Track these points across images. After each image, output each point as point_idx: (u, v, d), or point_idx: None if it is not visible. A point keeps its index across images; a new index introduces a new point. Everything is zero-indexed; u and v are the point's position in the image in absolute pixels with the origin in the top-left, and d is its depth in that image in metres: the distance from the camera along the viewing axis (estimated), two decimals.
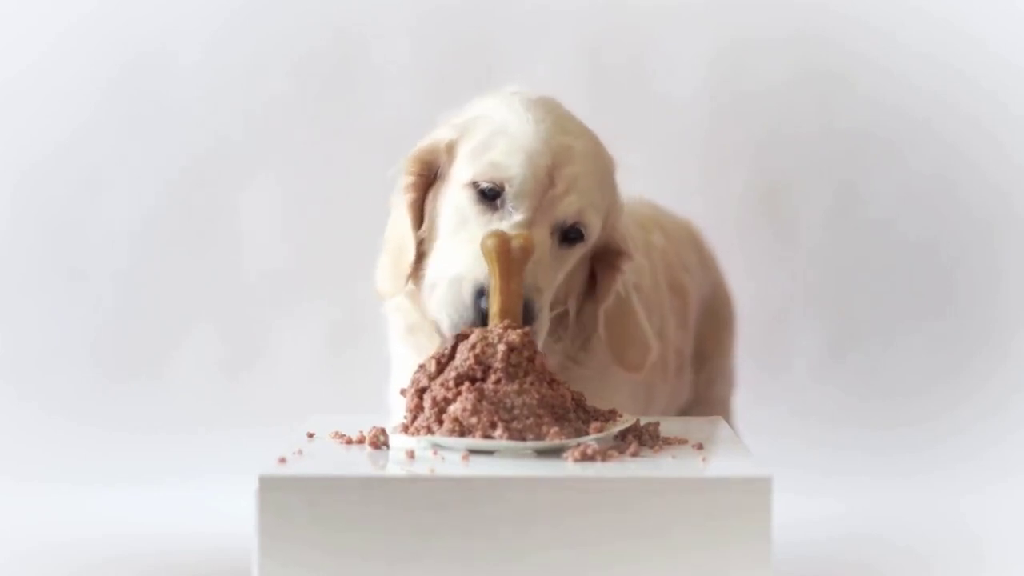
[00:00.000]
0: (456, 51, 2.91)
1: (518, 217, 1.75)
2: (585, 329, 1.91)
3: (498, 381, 1.55)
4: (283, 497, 1.41)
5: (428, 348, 1.86)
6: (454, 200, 1.80)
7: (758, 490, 1.42)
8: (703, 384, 2.38)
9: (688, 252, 2.33)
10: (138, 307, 2.91)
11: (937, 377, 2.91)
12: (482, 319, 1.67)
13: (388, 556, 1.41)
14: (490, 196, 1.77)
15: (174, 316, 2.91)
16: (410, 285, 1.85)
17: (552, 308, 1.80)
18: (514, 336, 1.58)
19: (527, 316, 1.68)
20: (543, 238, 1.76)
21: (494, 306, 1.63)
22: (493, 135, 1.81)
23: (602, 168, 1.86)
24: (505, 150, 1.78)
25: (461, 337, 1.61)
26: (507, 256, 1.62)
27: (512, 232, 1.66)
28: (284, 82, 2.91)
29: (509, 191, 1.76)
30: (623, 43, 2.92)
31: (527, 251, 1.64)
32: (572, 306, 1.89)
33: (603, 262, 1.89)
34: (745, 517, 1.41)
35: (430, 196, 1.84)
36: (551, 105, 1.87)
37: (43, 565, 2.29)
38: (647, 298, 2.00)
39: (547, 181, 1.77)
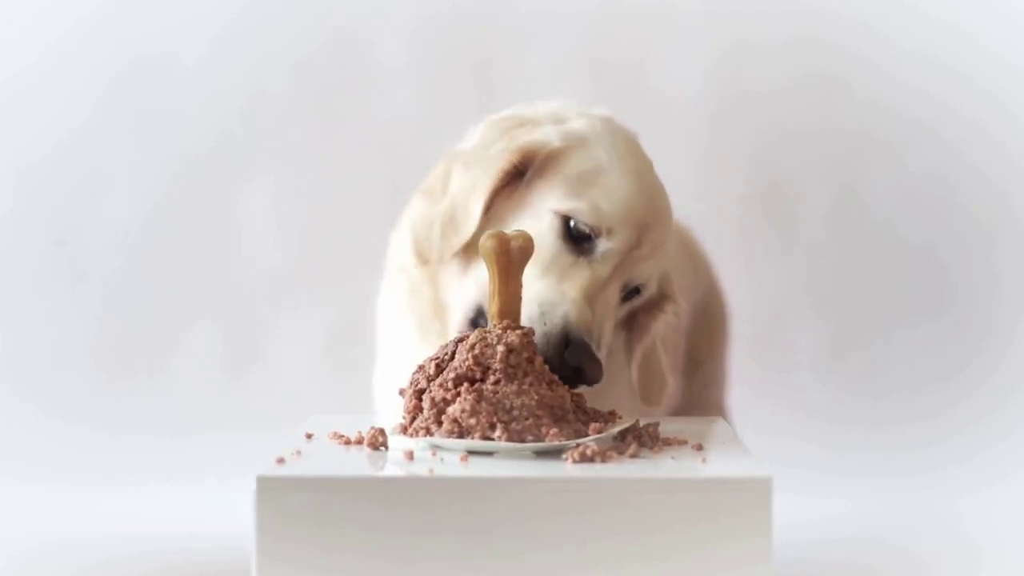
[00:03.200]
0: (456, 52, 2.91)
1: (601, 271, 1.74)
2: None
3: (497, 382, 1.55)
4: (281, 497, 1.41)
5: (426, 323, 1.85)
6: (537, 220, 1.76)
7: (758, 490, 1.42)
8: (697, 387, 2.38)
9: (678, 255, 2.32)
10: (138, 307, 2.91)
11: (936, 377, 2.91)
12: (560, 366, 1.64)
13: (387, 557, 1.41)
14: (577, 236, 1.75)
15: (174, 316, 2.91)
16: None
17: None
18: (513, 337, 1.57)
19: (596, 377, 1.66)
20: (614, 294, 1.77)
21: (493, 307, 1.63)
22: (596, 172, 1.77)
23: (673, 230, 1.87)
24: (610, 199, 1.75)
25: (460, 338, 1.61)
26: (507, 257, 1.62)
27: (513, 233, 1.66)
28: (284, 83, 2.91)
29: (603, 242, 1.75)
30: (623, 45, 2.92)
31: (526, 252, 1.64)
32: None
33: (646, 303, 1.88)
34: (745, 517, 1.41)
35: (523, 192, 1.80)
36: (642, 152, 1.85)
37: (43, 565, 2.29)
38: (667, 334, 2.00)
39: (636, 242, 1.77)
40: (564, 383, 1.62)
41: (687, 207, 2.48)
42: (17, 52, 2.88)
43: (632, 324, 1.91)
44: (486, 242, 1.63)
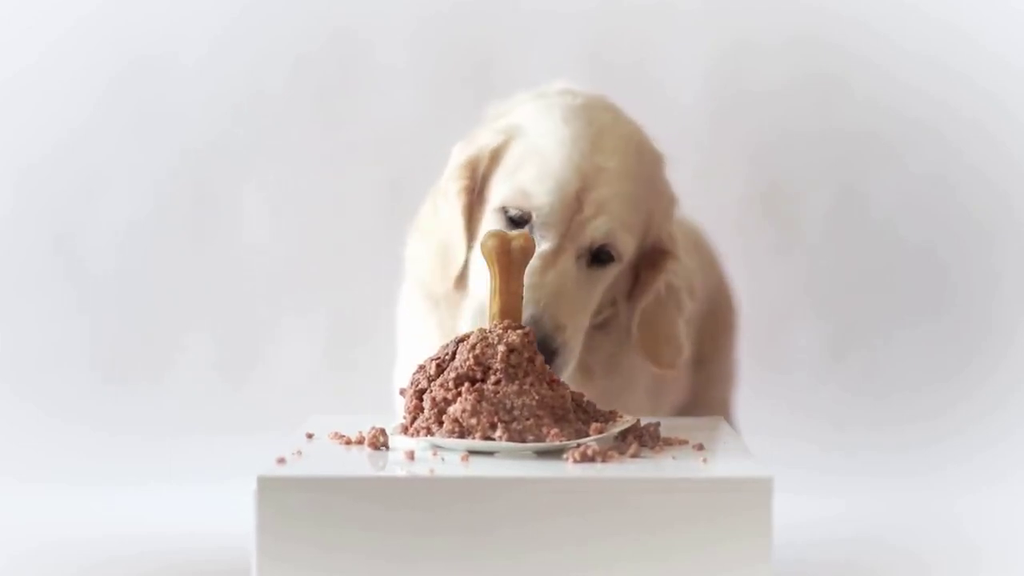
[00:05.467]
0: (455, 52, 2.91)
1: (545, 245, 1.75)
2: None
3: (498, 382, 1.55)
4: (282, 498, 1.41)
5: (448, 331, 1.86)
6: (487, 222, 1.79)
7: (759, 490, 1.42)
8: (702, 385, 2.38)
9: (690, 252, 2.33)
10: (138, 307, 2.91)
11: (936, 377, 2.91)
12: None
13: (387, 557, 1.41)
14: (518, 223, 1.77)
15: (174, 316, 2.91)
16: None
17: (597, 315, 1.82)
18: (514, 337, 1.57)
19: (546, 354, 1.66)
20: (568, 267, 1.76)
21: (494, 306, 1.63)
22: (526, 155, 1.79)
23: (640, 181, 1.84)
24: (534, 176, 1.77)
25: (461, 338, 1.61)
26: (507, 256, 1.62)
27: (514, 233, 1.66)
28: (284, 82, 2.91)
29: (536, 220, 1.76)
30: (623, 45, 2.92)
31: (527, 251, 1.64)
32: (621, 306, 1.89)
33: (647, 261, 1.88)
34: (746, 517, 1.41)
35: (478, 200, 1.83)
36: (593, 114, 1.85)
37: (43, 565, 2.29)
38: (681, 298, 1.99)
39: (575, 206, 1.77)
40: None
41: (687, 207, 2.50)
42: (17, 52, 2.87)
43: (635, 285, 1.90)
44: (487, 242, 1.63)
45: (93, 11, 2.88)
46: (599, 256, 1.80)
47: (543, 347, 1.68)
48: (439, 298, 1.88)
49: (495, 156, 1.82)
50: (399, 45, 2.91)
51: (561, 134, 1.80)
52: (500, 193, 1.79)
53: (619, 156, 1.82)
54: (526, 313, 1.68)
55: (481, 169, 1.82)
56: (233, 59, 2.90)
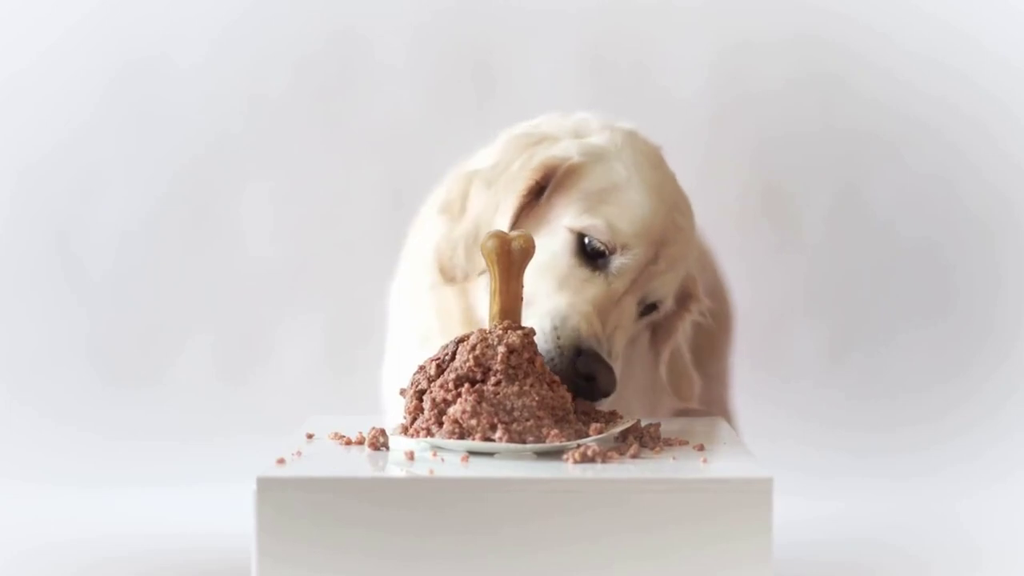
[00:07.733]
0: (455, 52, 2.91)
1: (616, 285, 1.75)
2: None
3: (498, 383, 1.55)
4: (282, 498, 1.41)
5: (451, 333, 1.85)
6: (553, 237, 1.77)
7: (759, 491, 1.42)
8: (701, 386, 2.38)
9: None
10: (138, 309, 2.91)
11: (937, 378, 2.90)
12: (572, 376, 1.65)
13: (387, 557, 1.41)
14: (592, 253, 1.76)
15: (174, 318, 2.91)
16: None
17: None
18: (514, 338, 1.57)
19: (609, 386, 1.67)
20: (630, 308, 1.77)
21: (494, 307, 1.63)
22: (614, 188, 1.78)
23: (695, 241, 1.88)
24: (626, 216, 1.76)
25: (461, 339, 1.61)
26: (508, 257, 1.62)
27: (514, 234, 1.66)
28: (284, 83, 2.91)
29: (618, 259, 1.75)
30: (624, 45, 2.92)
31: (527, 252, 1.64)
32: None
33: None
34: (746, 518, 1.41)
35: (539, 205, 1.81)
36: (664, 166, 1.87)
37: (43, 565, 2.29)
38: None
39: (652, 257, 1.78)
40: (578, 395, 1.64)
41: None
42: (17, 52, 2.87)
43: (657, 325, 1.92)
44: (487, 242, 1.63)
45: (92, 11, 2.87)
46: (647, 308, 1.83)
47: (604, 367, 1.67)
48: (449, 284, 1.84)
49: (573, 171, 1.79)
50: (399, 45, 2.91)
51: (650, 180, 1.80)
52: (581, 218, 1.76)
53: (688, 218, 1.86)
54: (592, 334, 1.69)
55: (555, 179, 1.79)
56: (233, 60, 2.90)
